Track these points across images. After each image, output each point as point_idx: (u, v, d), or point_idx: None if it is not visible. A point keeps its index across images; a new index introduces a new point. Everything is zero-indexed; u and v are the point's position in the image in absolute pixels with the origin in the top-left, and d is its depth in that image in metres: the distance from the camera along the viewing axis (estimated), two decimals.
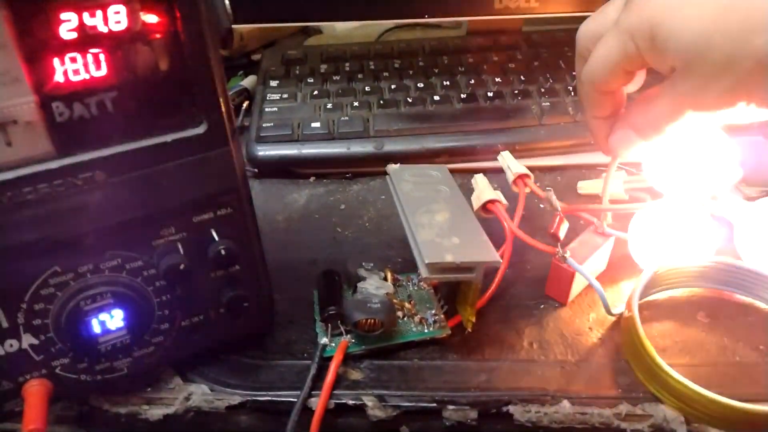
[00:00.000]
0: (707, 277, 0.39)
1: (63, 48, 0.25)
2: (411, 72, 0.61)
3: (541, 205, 0.48)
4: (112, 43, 0.26)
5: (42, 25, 0.25)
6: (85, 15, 0.25)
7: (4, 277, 0.28)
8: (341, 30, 0.77)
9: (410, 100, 0.56)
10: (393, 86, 0.58)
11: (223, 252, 0.31)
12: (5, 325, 0.29)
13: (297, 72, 0.61)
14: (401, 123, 0.54)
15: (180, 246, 0.31)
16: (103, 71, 0.26)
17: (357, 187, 0.52)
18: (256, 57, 0.71)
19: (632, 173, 0.47)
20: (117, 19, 0.26)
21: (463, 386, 0.34)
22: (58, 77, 0.26)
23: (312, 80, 0.60)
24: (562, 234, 0.38)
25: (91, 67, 0.26)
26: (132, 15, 0.26)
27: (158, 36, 0.27)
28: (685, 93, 0.31)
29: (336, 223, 0.48)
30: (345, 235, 0.46)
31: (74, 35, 0.25)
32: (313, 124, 0.54)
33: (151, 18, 0.26)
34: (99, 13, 0.25)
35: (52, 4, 0.25)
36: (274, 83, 0.60)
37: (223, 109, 0.29)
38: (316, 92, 0.58)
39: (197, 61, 0.27)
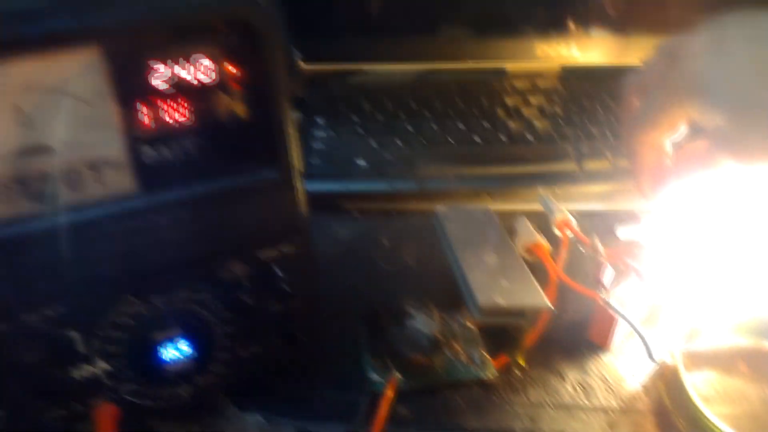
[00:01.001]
0: (749, 329, 0.39)
1: (153, 96, 0.28)
2: (451, 112, 0.62)
3: (582, 249, 0.49)
4: (197, 92, 0.28)
5: (136, 75, 0.27)
6: (176, 67, 0.27)
7: (85, 305, 0.30)
8: (381, 69, 0.79)
9: (452, 141, 0.58)
10: (435, 126, 0.60)
11: (286, 288, 0.32)
12: (82, 350, 0.31)
13: (342, 110, 0.64)
14: (443, 162, 0.55)
15: (245, 280, 0.32)
16: (188, 118, 0.28)
17: (399, 224, 0.53)
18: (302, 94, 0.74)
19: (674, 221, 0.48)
20: (204, 71, 0.28)
21: (508, 427, 0.35)
22: (147, 122, 0.28)
23: (356, 118, 0.62)
24: (605, 279, 0.39)
25: (177, 113, 0.28)
26: (217, 68, 0.28)
27: (238, 86, 0.29)
28: (729, 148, 0.32)
29: (379, 259, 0.49)
30: (388, 271, 0.48)
31: (165, 85, 0.28)
32: (359, 161, 0.55)
33: (233, 71, 0.29)
34: (188, 65, 0.28)
35: (147, 57, 0.27)
36: (320, 120, 0.62)
37: (294, 154, 0.31)
38: (360, 130, 0.60)
39: (272, 111, 0.29)
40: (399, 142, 0.58)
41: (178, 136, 0.29)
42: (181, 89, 0.28)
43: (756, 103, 0.30)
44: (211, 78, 0.28)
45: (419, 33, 0.64)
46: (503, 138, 0.58)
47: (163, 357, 0.32)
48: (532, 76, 0.68)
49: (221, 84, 0.29)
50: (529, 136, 0.58)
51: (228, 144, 0.30)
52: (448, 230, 0.41)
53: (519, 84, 0.68)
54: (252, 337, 0.34)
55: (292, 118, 0.31)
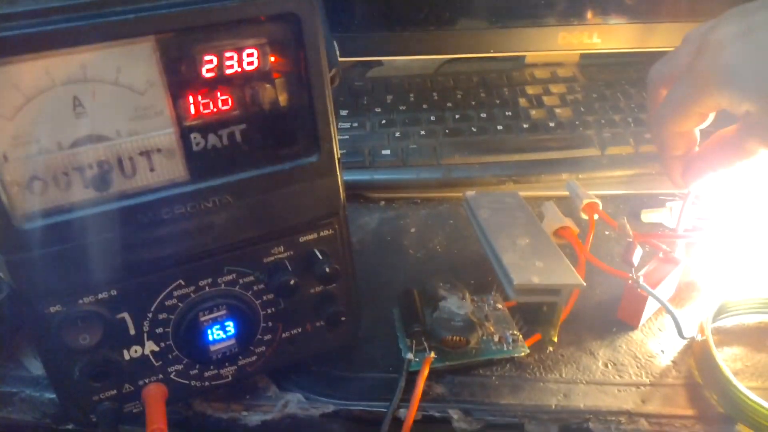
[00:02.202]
0: None
1: (203, 85, 0.29)
2: (473, 102, 0.63)
3: (606, 232, 0.50)
4: (244, 81, 0.29)
5: (188, 65, 0.28)
6: (224, 57, 0.29)
7: (136, 289, 0.31)
8: (401, 61, 0.80)
9: (475, 130, 0.59)
10: (457, 116, 0.61)
11: (326, 270, 0.33)
12: (133, 332, 0.32)
13: (364, 102, 0.65)
14: (467, 151, 0.56)
15: (288, 263, 0.33)
16: (235, 106, 0.30)
17: (425, 212, 0.54)
18: None
19: (697, 203, 0.48)
20: (250, 60, 0.29)
21: (543, 403, 0.36)
22: (197, 111, 0.29)
23: (379, 110, 0.63)
24: (635, 260, 0.39)
25: (225, 102, 0.29)
26: (263, 57, 0.29)
27: (284, 75, 0.30)
28: (760, 134, 0.33)
29: (408, 246, 0.50)
30: (417, 257, 0.49)
31: (213, 74, 0.29)
32: (384, 152, 0.57)
33: (278, 59, 0.30)
34: (235, 55, 0.29)
35: (198, 48, 0.28)
36: (343, 112, 0.63)
37: (334, 139, 0.32)
38: (384, 121, 0.61)
39: (315, 98, 0.31)
40: (422, 132, 0.59)
41: (226, 124, 0.30)
42: (228, 78, 0.29)
43: None
44: (257, 67, 0.29)
45: (440, 24, 0.64)
46: (525, 126, 0.59)
47: (209, 339, 0.33)
48: (552, 65, 0.69)
49: (267, 73, 0.30)
50: (551, 124, 0.59)
51: (272, 131, 0.31)
52: (478, 214, 0.42)
53: (539, 74, 0.68)
54: (294, 319, 0.35)
55: (332, 107, 0.32)
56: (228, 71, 0.29)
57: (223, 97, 0.29)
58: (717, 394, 0.35)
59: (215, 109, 0.29)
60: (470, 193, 0.45)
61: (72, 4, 0.26)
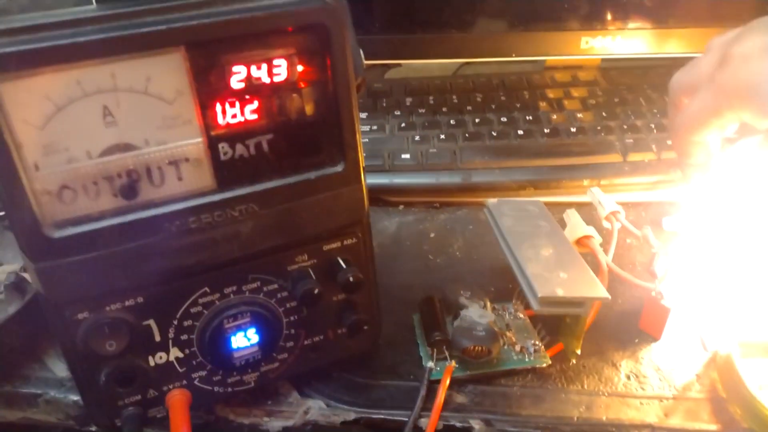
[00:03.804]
0: None
1: (232, 95, 0.29)
2: (493, 106, 0.63)
3: (628, 240, 0.49)
4: (271, 91, 0.29)
5: (217, 75, 0.28)
6: (253, 68, 0.29)
7: (162, 296, 0.31)
8: (420, 63, 0.80)
9: (495, 134, 0.58)
10: (477, 120, 0.61)
11: (349, 278, 0.33)
12: (158, 339, 0.32)
13: (383, 104, 0.65)
14: (487, 155, 0.56)
15: (311, 271, 0.34)
16: (263, 116, 0.30)
17: (444, 217, 0.54)
18: None
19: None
20: (278, 71, 0.29)
21: (565, 415, 0.36)
22: (225, 121, 0.29)
23: (398, 113, 0.63)
24: (658, 271, 0.39)
25: (253, 112, 0.29)
26: (291, 67, 0.29)
27: (311, 85, 0.30)
28: None
29: (427, 251, 0.50)
30: (437, 263, 0.49)
31: (242, 85, 0.29)
32: (403, 156, 0.56)
33: (306, 69, 0.30)
34: (264, 65, 0.29)
35: (227, 58, 0.28)
36: (362, 115, 0.63)
37: (359, 148, 0.32)
38: (403, 124, 0.61)
39: (342, 108, 0.31)
40: (442, 136, 0.59)
41: (253, 134, 0.30)
42: (256, 88, 0.29)
43: None
44: (285, 77, 0.29)
45: (460, 27, 0.64)
46: (546, 130, 0.59)
47: (233, 345, 0.33)
48: (573, 69, 0.69)
49: (294, 83, 0.30)
50: (572, 129, 0.59)
51: (298, 140, 0.31)
52: (500, 223, 0.41)
53: (560, 77, 0.68)
54: (316, 326, 0.35)
55: (357, 115, 0.32)
56: (256, 81, 0.29)
57: (251, 107, 0.29)
58: (741, 408, 0.35)
59: (243, 119, 0.29)
60: (492, 200, 0.44)
61: (103, 14, 0.26)
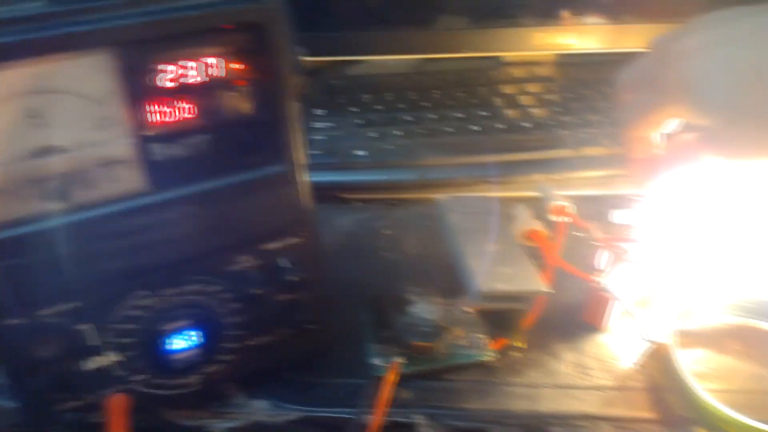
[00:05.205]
0: (739, 308, 0.41)
1: (163, 95, 0.29)
2: (451, 102, 0.63)
3: (577, 234, 0.50)
4: (204, 90, 0.29)
5: (145, 75, 0.28)
6: (184, 67, 0.28)
7: (98, 300, 0.31)
8: (380, 60, 0.80)
9: (452, 130, 0.59)
10: (434, 116, 0.61)
11: (292, 279, 0.33)
12: (95, 342, 0.32)
13: (341, 101, 0.65)
14: (443, 152, 0.56)
15: (252, 273, 0.33)
16: (196, 116, 0.29)
17: (400, 213, 0.54)
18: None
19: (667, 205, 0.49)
20: (211, 70, 0.29)
21: (509, 408, 0.36)
22: (157, 121, 0.29)
23: (356, 109, 0.63)
24: (601, 263, 0.40)
25: (186, 112, 0.29)
26: (224, 66, 0.29)
27: (247, 84, 0.30)
28: (715, 148, 0.33)
29: (381, 248, 0.50)
30: (390, 260, 0.49)
31: (173, 84, 0.29)
32: (359, 152, 0.56)
33: (241, 68, 0.30)
34: (196, 65, 0.29)
35: (157, 58, 0.28)
36: (319, 112, 0.63)
37: (299, 148, 0.32)
38: (360, 121, 0.61)
39: (279, 107, 0.30)
40: (398, 133, 0.59)
41: (187, 134, 0.30)
42: (188, 88, 0.29)
43: (743, 107, 0.30)
44: (218, 76, 0.29)
45: (417, 24, 0.64)
46: (501, 126, 0.59)
47: (173, 348, 0.33)
48: (529, 65, 0.69)
49: (228, 82, 0.30)
50: (527, 124, 0.59)
51: (235, 140, 0.31)
52: (448, 219, 0.42)
53: (516, 72, 0.69)
54: (260, 327, 0.35)
55: (298, 114, 0.32)
56: (189, 81, 0.29)
57: (185, 107, 0.29)
58: (678, 397, 0.36)
59: (176, 119, 0.29)
60: (442, 197, 0.45)
61: (30, 15, 0.26)
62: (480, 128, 0.59)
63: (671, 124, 0.39)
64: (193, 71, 0.29)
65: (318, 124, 0.61)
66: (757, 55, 0.29)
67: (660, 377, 0.37)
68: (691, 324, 0.41)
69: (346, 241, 0.51)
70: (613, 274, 0.41)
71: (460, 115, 0.61)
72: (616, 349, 0.40)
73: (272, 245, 0.34)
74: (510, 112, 0.61)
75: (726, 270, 0.40)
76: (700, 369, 0.38)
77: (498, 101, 0.63)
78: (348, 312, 0.42)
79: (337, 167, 0.56)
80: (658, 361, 0.38)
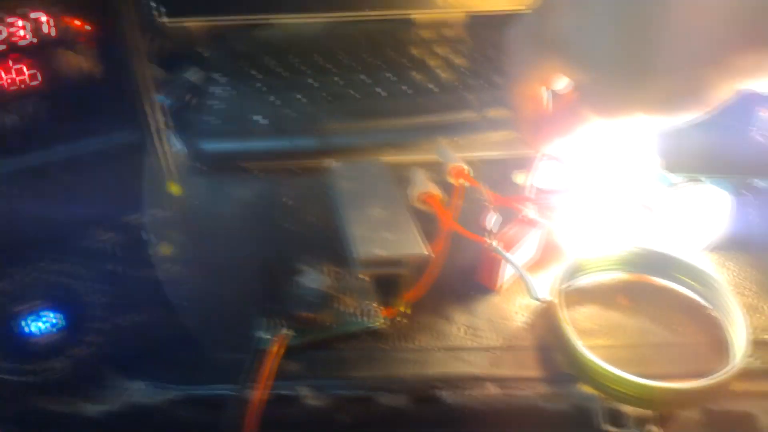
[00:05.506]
0: (628, 263, 0.41)
1: None
2: (357, 65, 0.62)
3: (476, 196, 0.50)
4: (38, 51, 0.27)
5: None
6: (11, 26, 0.26)
7: None
8: (289, 23, 0.77)
9: (358, 95, 0.57)
10: (339, 80, 0.59)
11: (156, 252, 0.32)
12: None
13: (243, 66, 0.62)
14: (346, 118, 0.55)
15: (114, 248, 0.31)
16: (33, 79, 0.27)
17: (303, 182, 0.53)
18: (203, 50, 0.71)
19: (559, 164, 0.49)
20: (43, 28, 0.26)
21: (396, 374, 0.36)
22: None
23: (259, 74, 0.60)
24: (491, 224, 0.39)
25: (19, 75, 0.27)
26: (58, 24, 0.27)
27: (87, 43, 0.27)
28: (590, 103, 0.32)
29: (281, 218, 0.49)
30: (290, 230, 0.47)
31: (2, 46, 0.26)
32: (259, 119, 0.54)
33: (78, 26, 0.27)
34: (25, 23, 0.26)
35: None
36: (220, 77, 0.60)
37: (155, 113, 0.30)
38: (262, 87, 0.58)
39: (126, 67, 0.28)
40: (302, 98, 0.57)
41: (24, 99, 0.27)
42: (19, 49, 0.26)
43: (606, 63, 0.30)
44: (52, 35, 0.27)
45: None
46: (407, 90, 0.58)
47: (33, 330, 0.31)
48: (438, 26, 0.68)
49: (65, 41, 0.27)
50: (433, 87, 0.58)
51: (81, 105, 0.28)
52: (338, 186, 0.40)
53: (425, 34, 0.67)
54: (129, 305, 0.33)
55: (150, 76, 0.30)
56: (17, 41, 0.26)
57: (15, 70, 0.27)
58: (562, 355, 0.36)
59: (6, 83, 0.27)
60: (335, 163, 0.43)
61: None
62: (385, 92, 0.58)
63: (559, 81, 0.38)
64: (22, 30, 0.26)
65: (217, 91, 0.58)
66: (615, 8, 0.29)
67: (547, 336, 0.37)
68: (581, 281, 0.41)
69: (245, 213, 0.49)
70: (506, 234, 0.41)
71: (366, 78, 0.59)
72: (509, 309, 0.40)
73: (134, 218, 0.32)
74: (416, 75, 0.60)
75: (614, 225, 0.40)
76: (587, 326, 0.38)
77: (405, 63, 0.62)
78: (241, 285, 0.41)
79: (235, 135, 0.54)
80: (546, 320, 0.38)
